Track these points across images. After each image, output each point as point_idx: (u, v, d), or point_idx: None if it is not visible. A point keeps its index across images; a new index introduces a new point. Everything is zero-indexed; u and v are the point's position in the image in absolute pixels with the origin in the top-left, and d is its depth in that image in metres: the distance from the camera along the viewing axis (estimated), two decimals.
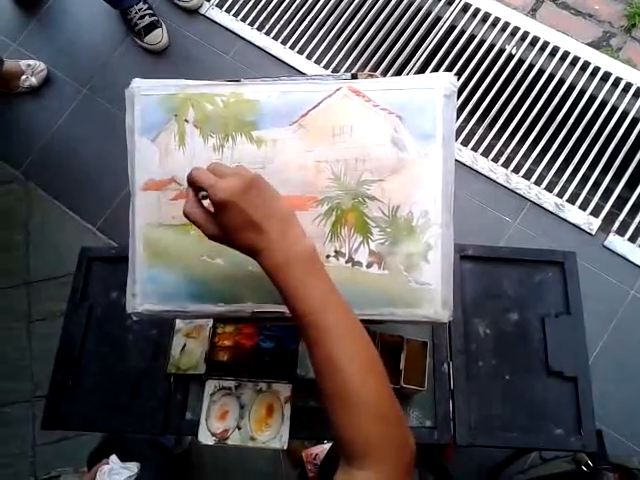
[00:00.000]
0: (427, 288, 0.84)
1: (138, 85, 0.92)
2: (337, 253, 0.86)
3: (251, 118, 0.87)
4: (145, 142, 0.90)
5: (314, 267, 0.71)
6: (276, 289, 0.71)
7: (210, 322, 1.18)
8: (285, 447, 1.07)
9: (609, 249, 2.01)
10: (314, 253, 0.72)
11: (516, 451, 1.70)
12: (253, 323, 1.17)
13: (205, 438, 1.09)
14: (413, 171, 0.84)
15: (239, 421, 1.10)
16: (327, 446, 1.61)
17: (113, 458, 1.19)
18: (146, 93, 0.92)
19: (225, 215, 0.68)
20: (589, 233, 2.03)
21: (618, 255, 2.01)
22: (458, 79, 2.13)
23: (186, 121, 0.89)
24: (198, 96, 0.89)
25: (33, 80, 2.53)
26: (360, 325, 0.72)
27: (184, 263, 0.89)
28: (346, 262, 0.85)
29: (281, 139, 0.87)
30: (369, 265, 0.85)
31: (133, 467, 1.19)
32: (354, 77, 0.88)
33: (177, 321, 1.20)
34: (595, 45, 2.24)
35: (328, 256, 0.86)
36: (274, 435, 1.08)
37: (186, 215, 0.72)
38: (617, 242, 2.02)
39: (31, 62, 2.54)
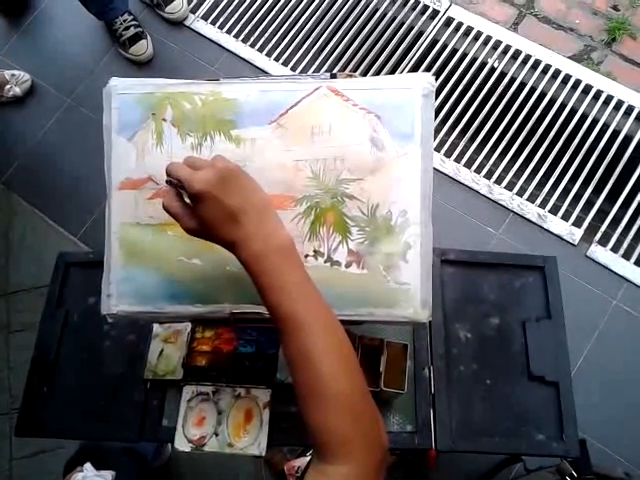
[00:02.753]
0: (406, 288, 0.83)
1: (115, 84, 0.91)
2: (316, 252, 0.85)
3: (230, 117, 0.87)
4: (122, 141, 0.90)
5: (290, 258, 0.70)
6: (252, 282, 0.70)
7: (188, 327, 1.16)
8: (264, 454, 1.05)
9: (592, 259, 2.02)
10: (291, 244, 0.71)
11: (501, 461, 1.68)
12: (232, 327, 1.15)
13: (181, 445, 1.07)
14: (392, 170, 0.84)
15: (216, 427, 1.08)
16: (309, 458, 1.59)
17: (87, 466, 1.16)
18: (123, 92, 0.91)
19: (202, 207, 0.67)
20: (572, 243, 2.04)
21: (601, 265, 2.01)
22: (441, 92, 2.14)
23: (164, 120, 0.88)
24: (176, 95, 0.89)
25: (17, 90, 2.52)
26: (335, 319, 0.71)
27: (161, 263, 0.88)
28: (325, 262, 0.85)
29: (260, 138, 0.86)
30: (348, 265, 0.84)
31: (107, 475, 1.16)
32: (333, 77, 0.88)
33: (155, 326, 1.18)
34: (576, 59, 2.27)
35: (307, 255, 0.85)
36: (252, 441, 1.06)
37: (165, 208, 0.71)
38: (599, 252, 2.03)
39: (15, 72, 2.53)
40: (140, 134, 0.89)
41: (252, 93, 0.87)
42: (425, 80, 0.85)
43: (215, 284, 0.88)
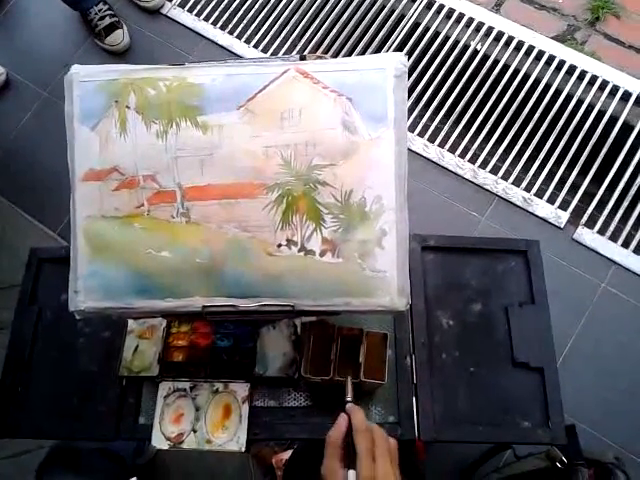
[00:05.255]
0: (382, 276, 0.81)
1: (77, 71, 0.88)
2: (289, 242, 0.83)
3: (196, 102, 0.84)
4: (85, 130, 0.86)
5: None
6: None
7: (164, 322, 1.13)
8: (243, 449, 1.02)
9: (578, 242, 2.00)
10: None
11: (490, 449, 1.67)
12: (206, 321, 1.12)
13: (159, 442, 1.04)
14: (365, 154, 0.81)
15: (194, 424, 1.05)
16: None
17: None
18: (86, 79, 0.87)
19: None
20: (558, 227, 2.02)
21: (588, 248, 1.99)
22: (423, 76, 2.11)
23: (127, 107, 0.85)
24: (140, 81, 0.86)
25: None
26: None
27: (129, 257, 0.85)
28: (299, 251, 0.82)
29: (228, 124, 0.83)
30: (322, 253, 0.82)
31: None
32: (302, 59, 0.85)
33: (129, 322, 1.15)
34: (560, 39, 2.24)
35: (280, 245, 0.83)
36: (231, 437, 1.03)
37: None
38: (586, 235, 2.00)
39: None
40: (103, 123, 0.86)
41: (218, 77, 0.84)
42: (397, 60, 0.82)
43: (186, 277, 0.85)
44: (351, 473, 0.68)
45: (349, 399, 0.84)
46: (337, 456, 0.72)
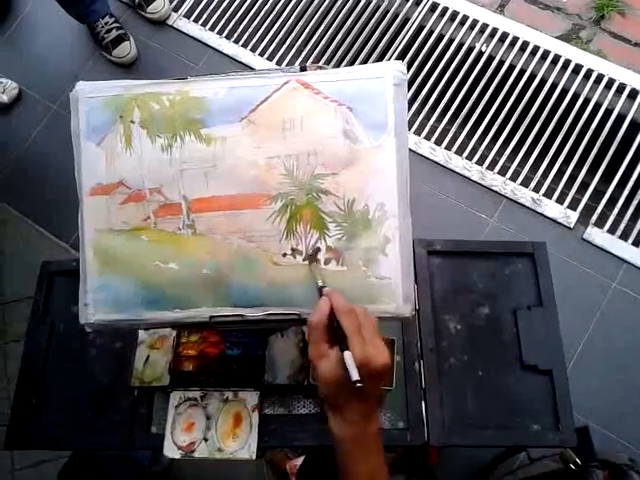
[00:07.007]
0: (387, 282, 0.82)
1: (82, 88, 0.90)
2: (294, 251, 0.83)
3: (199, 116, 0.85)
4: (91, 146, 0.88)
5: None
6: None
7: (174, 332, 1.15)
8: (254, 457, 1.03)
9: (588, 242, 1.99)
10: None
11: (503, 452, 1.66)
12: (216, 331, 1.13)
13: (171, 452, 1.05)
14: (367, 163, 0.82)
15: (205, 432, 1.06)
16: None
17: None
18: (90, 95, 0.89)
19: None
20: (567, 227, 2.01)
21: (598, 247, 1.98)
22: (429, 79, 2.10)
23: (132, 122, 0.87)
24: (144, 96, 0.87)
25: (4, 98, 2.50)
26: None
27: (136, 269, 0.86)
28: (303, 260, 0.83)
29: (231, 136, 0.84)
30: (327, 262, 0.83)
31: None
32: (303, 70, 0.85)
33: (140, 332, 1.16)
34: (565, 38, 2.24)
35: (285, 254, 0.83)
36: (242, 445, 1.04)
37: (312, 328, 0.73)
38: (596, 234, 1.99)
39: (3, 80, 2.52)
40: (109, 138, 0.87)
41: (221, 90, 0.85)
42: (396, 68, 0.83)
43: (193, 288, 0.86)
44: (347, 354, 0.66)
45: (321, 284, 0.79)
46: (323, 339, 0.70)
